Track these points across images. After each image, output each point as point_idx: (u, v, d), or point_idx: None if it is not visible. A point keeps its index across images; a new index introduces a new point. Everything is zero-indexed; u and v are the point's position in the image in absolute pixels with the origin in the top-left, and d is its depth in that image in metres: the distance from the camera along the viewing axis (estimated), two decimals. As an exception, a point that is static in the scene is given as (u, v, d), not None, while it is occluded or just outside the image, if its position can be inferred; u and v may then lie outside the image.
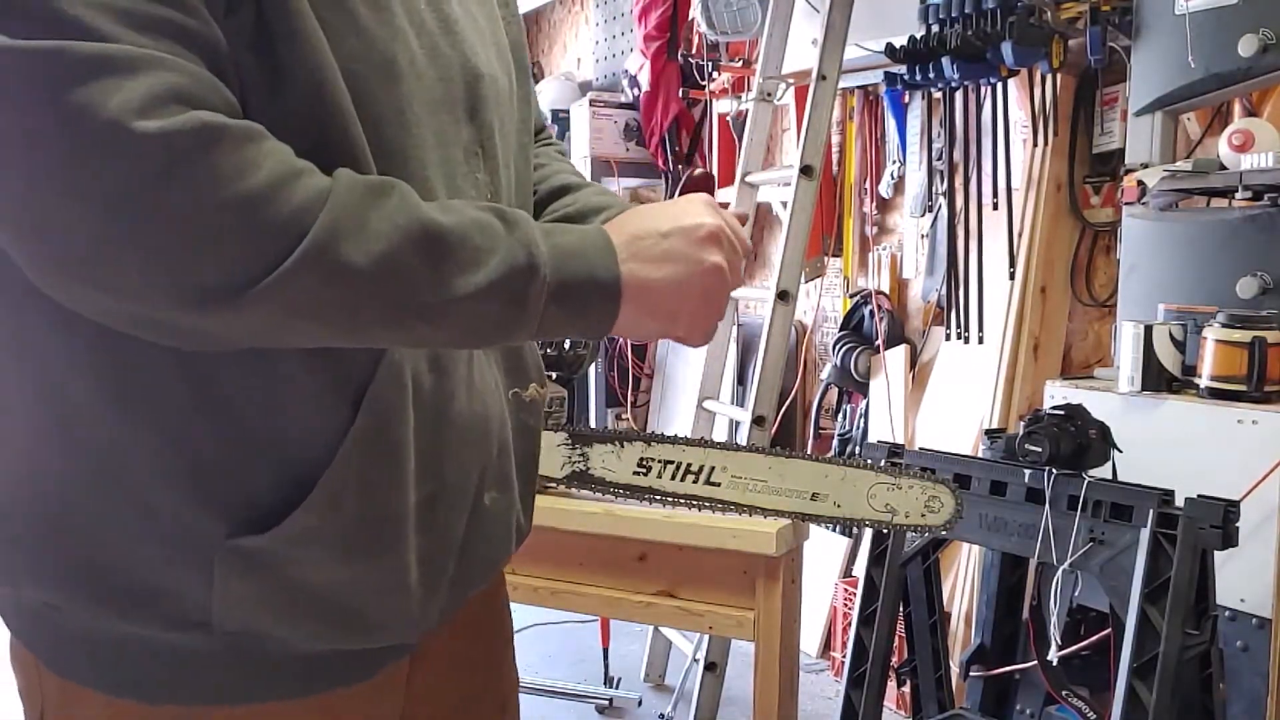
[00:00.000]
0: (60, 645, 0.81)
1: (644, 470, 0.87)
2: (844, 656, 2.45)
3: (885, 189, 3.47)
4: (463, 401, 0.87)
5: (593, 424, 4.32)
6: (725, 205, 0.92)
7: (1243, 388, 1.91)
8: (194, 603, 0.76)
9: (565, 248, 0.78)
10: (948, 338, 2.93)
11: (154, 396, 0.75)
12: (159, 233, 0.64)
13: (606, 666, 3.16)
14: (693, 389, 3.20)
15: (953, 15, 2.45)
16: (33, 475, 0.77)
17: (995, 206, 2.77)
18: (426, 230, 0.72)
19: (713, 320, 0.86)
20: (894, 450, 2.11)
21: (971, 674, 2.21)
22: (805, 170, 2.74)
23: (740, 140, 3.27)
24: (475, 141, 0.90)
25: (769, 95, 3.12)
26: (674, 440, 1.01)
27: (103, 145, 0.62)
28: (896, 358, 3.32)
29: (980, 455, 2.22)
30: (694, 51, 3.97)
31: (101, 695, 0.80)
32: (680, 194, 0.94)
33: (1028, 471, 1.88)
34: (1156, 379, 2.07)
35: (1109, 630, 1.91)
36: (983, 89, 2.67)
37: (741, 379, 3.77)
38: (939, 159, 2.93)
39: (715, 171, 4.03)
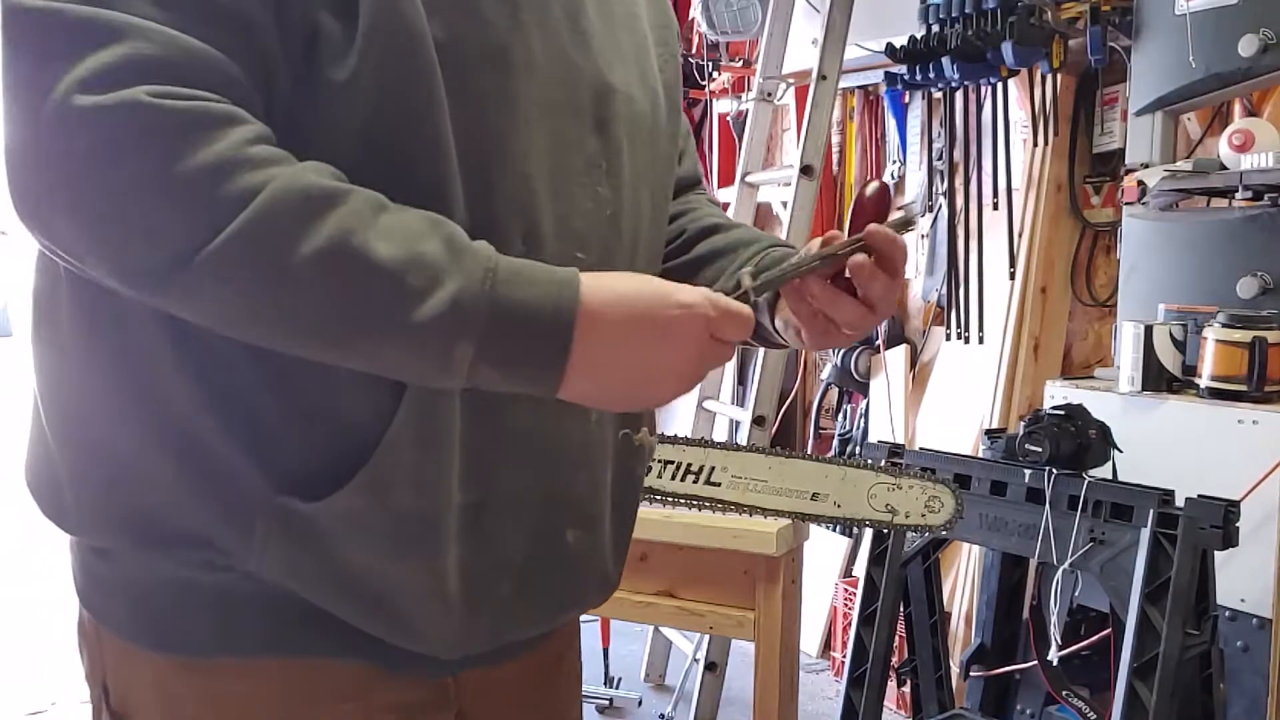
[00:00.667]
0: (113, 597, 0.82)
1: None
2: (844, 656, 2.45)
3: (885, 189, 3.47)
4: (527, 415, 0.84)
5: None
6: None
7: (1243, 388, 1.91)
8: (239, 550, 0.77)
9: (509, 306, 0.72)
10: (948, 338, 2.93)
11: (217, 360, 0.76)
12: (87, 210, 0.67)
13: (606, 666, 3.16)
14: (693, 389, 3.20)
15: (953, 15, 2.45)
16: (96, 432, 0.79)
17: (995, 206, 2.77)
18: (352, 253, 0.68)
19: (676, 394, 0.79)
20: (894, 450, 2.11)
21: (971, 674, 2.21)
22: (805, 170, 2.74)
23: (740, 140, 3.28)
24: (600, 154, 0.87)
25: (769, 95, 3.12)
26: (674, 440, 1.01)
27: (48, 119, 0.66)
28: (896, 358, 3.32)
29: (980, 455, 2.22)
30: (694, 51, 3.97)
31: (158, 656, 0.81)
32: (854, 215, 0.89)
33: (1028, 471, 1.88)
34: (1157, 379, 2.07)
35: (1109, 630, 1.91)
36: (983, 89, 2.67)
37: (741, 379, 3.77)
38: (939, 159, 2.93)
39: (715, 171, 4.03)
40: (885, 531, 2.09)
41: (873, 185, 0.86)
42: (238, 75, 0.70)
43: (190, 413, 0.77)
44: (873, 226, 0.83)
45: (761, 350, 2.76)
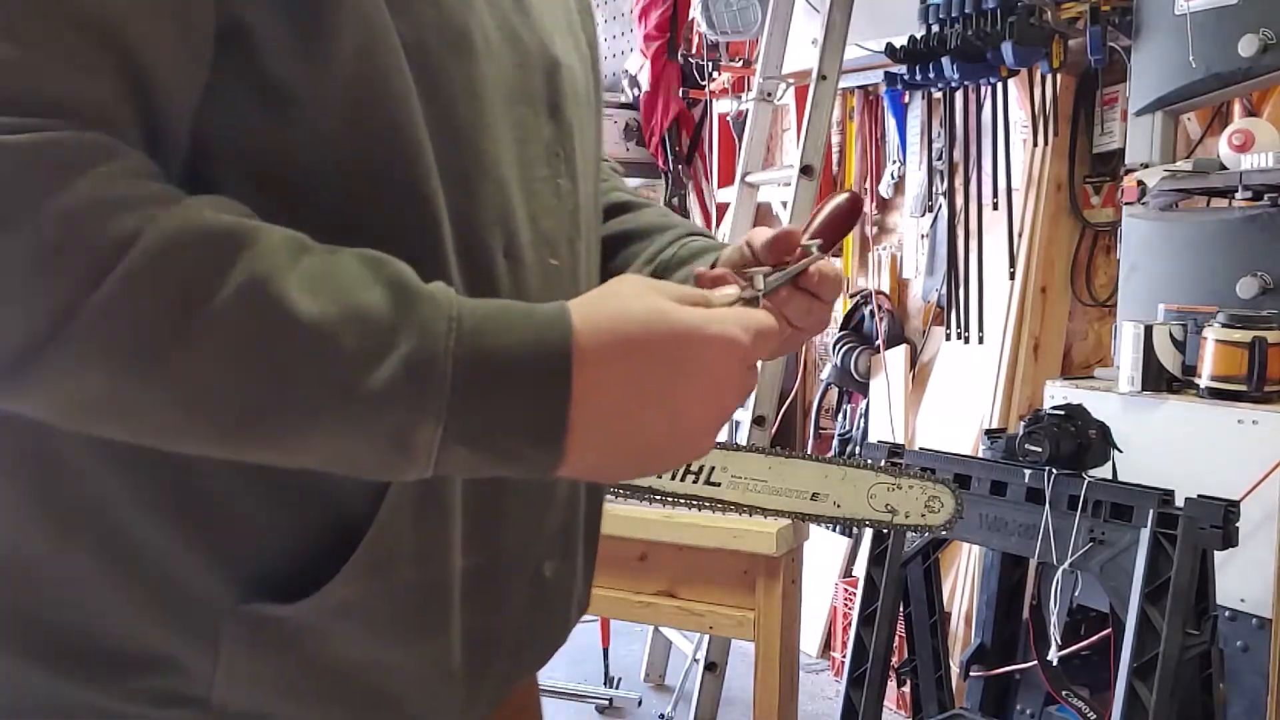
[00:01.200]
0: None
1: (644, 470, 0.86)
2: (844, 656, 2.45)
3: (885, 189, 3.47)
4: None
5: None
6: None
7: (1243, 388, 1.91)
8: (192, 675, 0.63)
9: (483, 371, 0.57)
10: (948, 338, 2.93)
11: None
12: None
13: (606, 666, 3.16)
14: (693, 389, 3.19)
15: (953, 15, 2.45)
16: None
17: (995, 206, 2.77)
18: (272, 316, 0.53)
19: (700, 451, 0.65)
20: (894, 450, 2.10)
21: (971, 674, 2.21)
22: (805, 170, 2.74)
23: (740, 140, 3.28)
24: (557, 141, 0.77)
25: (769, 95, 3.12)
26: (674, 440, 1.01)
27: None
28: (896, 358, 3.32)
29: (980, 455, 2.22)
30: (694, 51, 3.97)
31: None
32: (826, 219, 0.80)
33: (1028, 471, 1.88)
34: (1156, 379, 2.07)
35: (1109, 630, 1.91)
36: (983, 89, 2.67)
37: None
38: (939, 159, 2.93)
39: (715, 171, 4.03)
40: (885, 531, 2.09)
41: (844, 195, 0.82)
42: (103, 96, 0.54)
43: (121, 513, 0.62)
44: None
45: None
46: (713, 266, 0.82)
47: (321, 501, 0.64)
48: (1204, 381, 1.97)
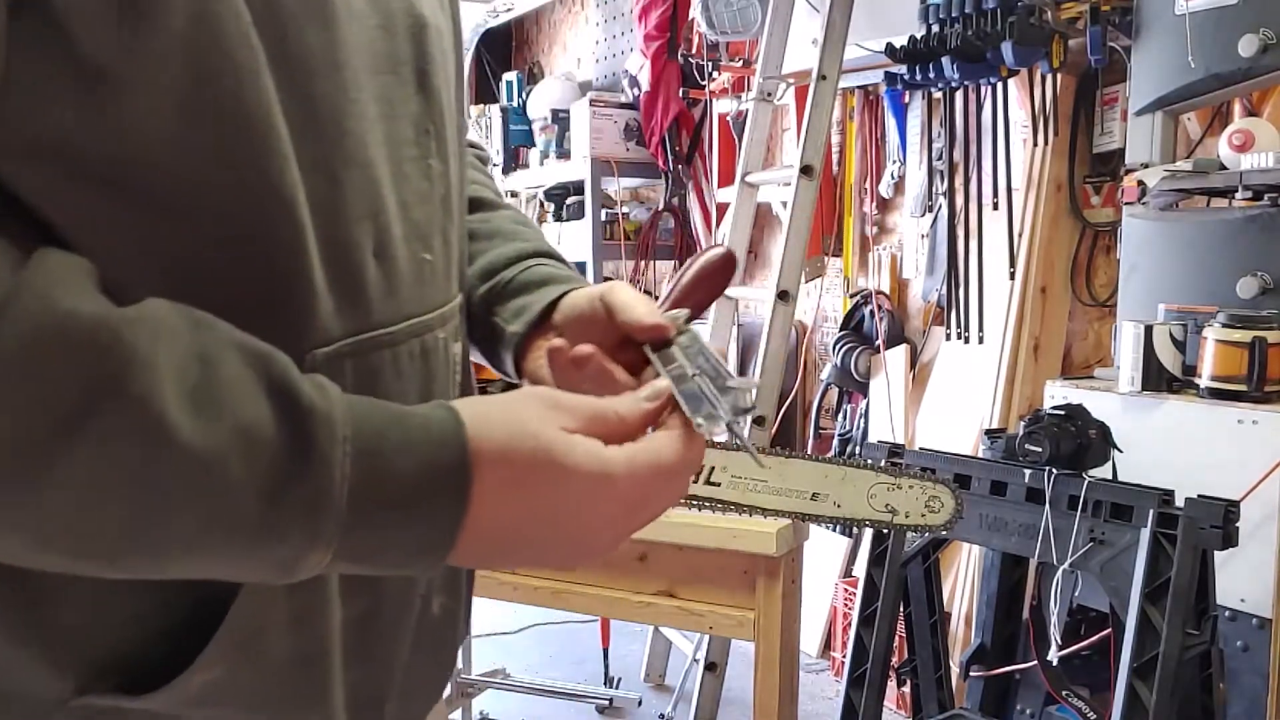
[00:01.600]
0: None
1: (643, 470, 0.86)
2: (844, 656, 2.45)
3: (885, 189, 3.48)
4: None
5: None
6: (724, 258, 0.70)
7: (1243, 388, 1.91)
8: None
9: (377, 496, 0.51)
10: (948, 338, 2.93)
11: None
12: None
13: (606, 666, 3.16)
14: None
15: (953, 15, 2.45)
16: None
17: (995, 206, 2.77)
18: (149, 440, 0.46)
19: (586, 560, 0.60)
20: (894, 450, 2.11)
21: (971, 674, 2.21)
22: (805, 170, 2.74)
23: (740, 140, 3.28)
24: (426, 115, 0.67)
25: (769, 95, 3.12)
26: (674, 440, 1.01)
27: None
28: (896, 358, 3.32)
29: (980, 455, 2.22)
30: (694, 51, 3.97)
31: None
32: (693, 269, 0.75)
33: (1028, 471, 1.88)
34: (1156, 379, 2.07)
35: (1109, 630, 1.91)
36: (983, 89, 2.67)
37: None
38: (939, 159, 2.93)
39: (715, 171, 4.03)
40: (885, 531, 2.10)
41: (718, 250, 0.76)
42: None
43: None
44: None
45: (761, 351, 2.76)
46: (553, 304, 0.75)
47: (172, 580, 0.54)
48: (1204, 381, 1.97)
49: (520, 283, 0.79)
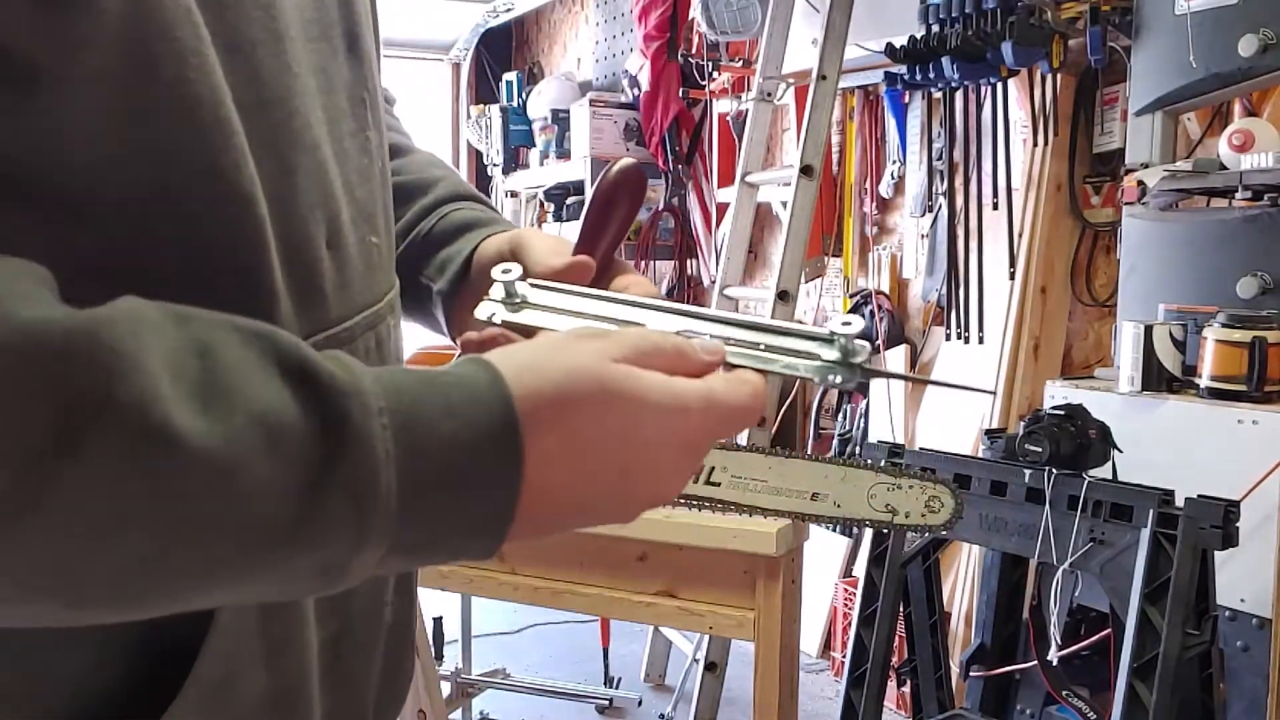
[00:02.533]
0: None
1: (644, 470, 0.86)
2: (844, 656, 2.45)
3: (885, 189, 3.48)
4: None
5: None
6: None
7: (1243, 388, 1.91)
8: None
9: (427, 472, 0.44)
10: (948, 338, 2.93)
11: None
12: None
13: (606, 666, 3.16)
14: (693, 389, 3.20)
15: (953, 15, 2.45)
16: None
17: (995, 206, 2.77)
18: (154, 448, 0.38)
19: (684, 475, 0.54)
20: (894, 450, 2.11)
21: (971, 674, 2.21)
22: (805, 170, 2.74)
23: (740, 140, 3.28)
24: (359, 83, 0.61)
25: (769, 95, 3.12)
26: (674, 440, 1.01)
27: None
28: (896, 358, 3.33)
29: (980, 455, 2.22)
30: (694, 51, 3.97)
31: None
32: (596, 195, 0.68)
33: (1028, 471, 1.88)
34: (1156, 379, 2.07)
35: (1109, 630, 1.91)
36: (983, 89, 2.67)
37: (741, 379, 3.76)
38: (939, 159, 2.93)
39: (715, 171, 4.03)
40: (885, 531, 2.09)
41: (618, 164, 0.68)
42: None
43: None
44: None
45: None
46: (473, 254, 0.69)
47: (137, 622, 0.45)
48: (1204, 381, 1.97)
49: (440, 232, 0.73)
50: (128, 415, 0.37)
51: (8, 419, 0.36)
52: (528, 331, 0.58)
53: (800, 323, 0.59)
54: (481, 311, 0.60)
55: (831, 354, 0.57)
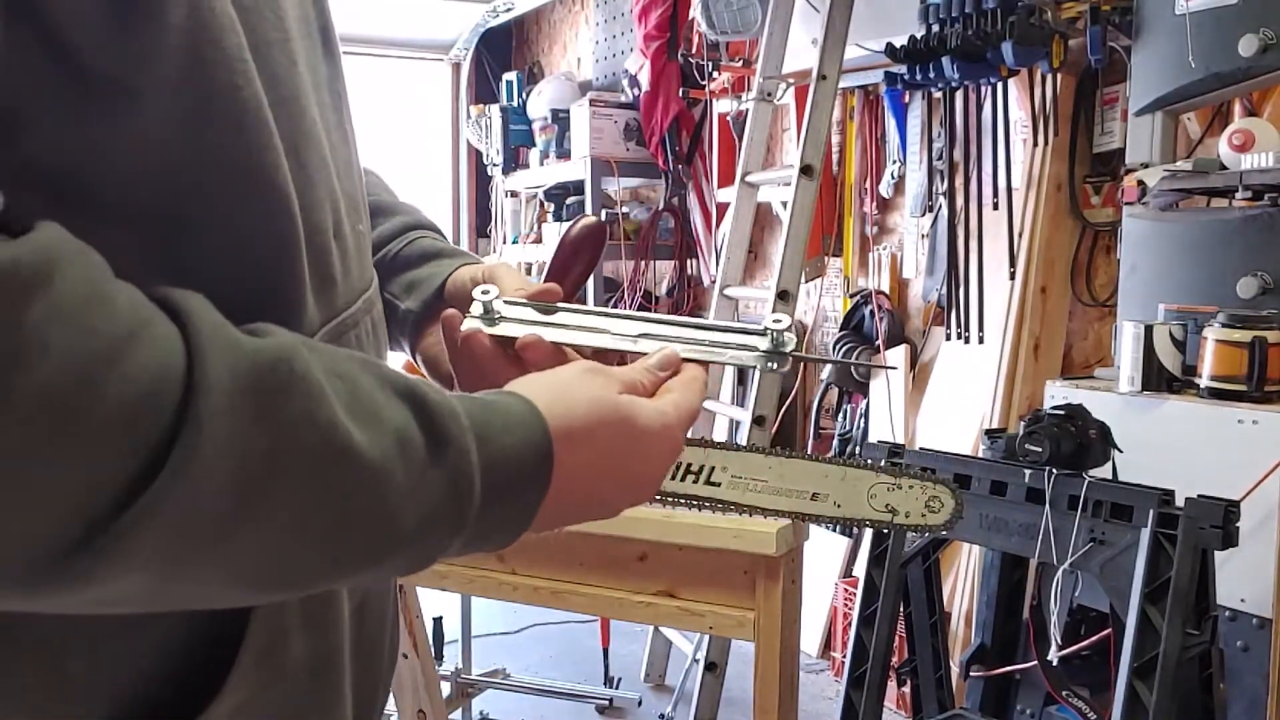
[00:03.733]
0: None
1: (644, 470, 0.87)
2: (844, 656, 2.45)
3: (885, 189, 3.48)
4: None
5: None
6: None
7: (1243, 388, 1.91)
8: None
9: (500, 476, 0.52)
10: (948, 338, 2.93)
11: None
12: None
13: (606, 666, 3.16)
14: (693, 389, 3.20)
15: (953, 15, 2.45)
16: None
17: (995, 206, 2.77)
18: (340, 463, 0.45)
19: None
20: (894, 450, 2.10)
21: (971, 674, 2.21)
22: (805, 170, 2.74)
23: (740, 140, 3.28)
24: (335, 76, 0.64)
25: (769, 95, 3.12)
26: (674, 440, 1.01)
27: None
28: (897, 358, 3.32)
29: (980, 455, 2.22)
30: (694, 51, 3.97)
31: None
32: (561, 245, 0.77)
33: (1028, 471, 1.88)
34: (1156, 379, 2.07)
35: (1109, 630, 1.91)
36: (983, 89, 2.67)
37: (742, 379, 3.77)
38: (939, 159, 2.93)
39: (715, 171, 4.03)
40: (885, 531, 2.09)
41: (585, 221, 0.77)
42: None
43: None
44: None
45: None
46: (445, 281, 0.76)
47: (185, 614, 0.51)
48: (1204, 381, 1.97)
49: (405, 257, 0.79)
50: (318, 428, 0.44)
51: (252, 439, 0.42)
52: (505, 341, 0.69)
53: (740, 321, 0.74)
54: (466, 325, 0.69)
55: (765, 345, 0.70)
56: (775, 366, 0.70)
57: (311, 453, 0.44)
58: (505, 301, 0.70)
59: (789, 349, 0.70)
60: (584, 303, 0.74)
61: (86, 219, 0.44)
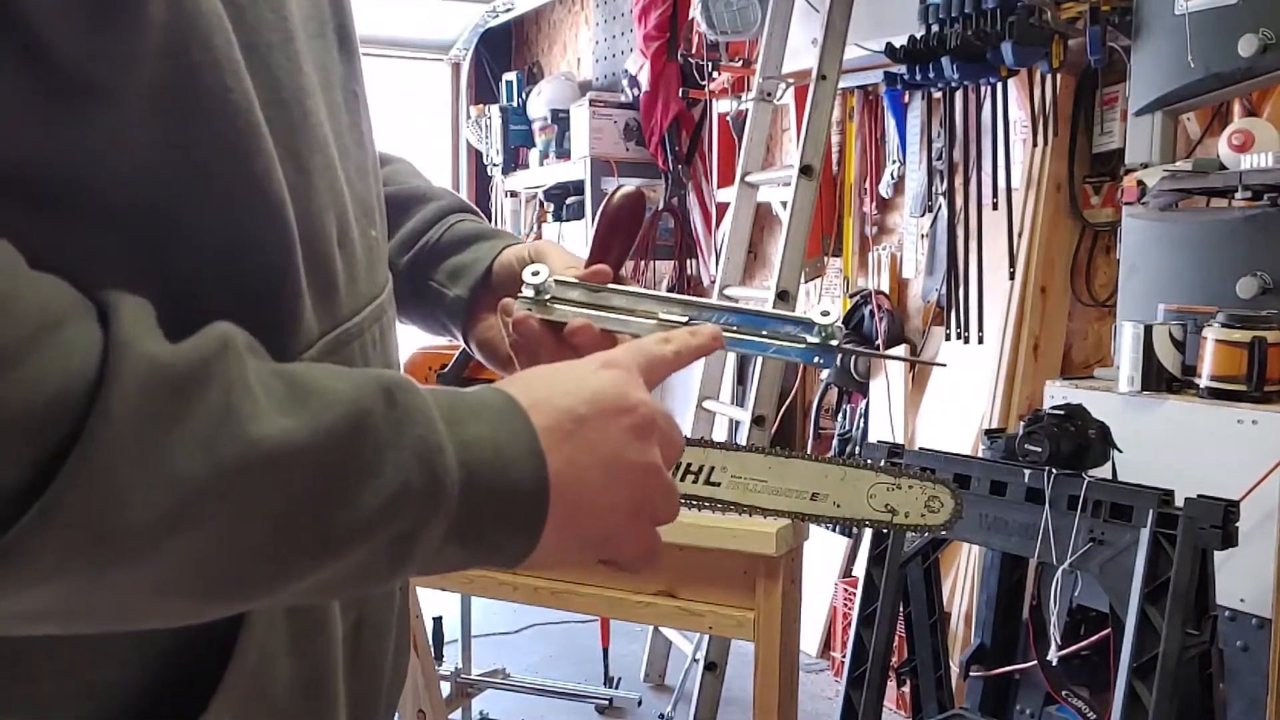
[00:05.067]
0: None
1: (644, 470, 0.87)
2: (844, 656, 2.45)
3: (885, 189, 3.48)
4: None
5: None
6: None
7: (1243, 388, 1.91)
8: None
9: (478, 455, 0.49)
10: (948, 338, 2.93)
11: None
12: None
13: (606, 666, 3.16)
14: (692, 389, 3.21)
15: (953, 15, 2.45)
16: None
17: (995, 206, 2.77)
18: (265, 461, 0.43)
19: (654, 536, 0.59)
20: (894, 450, 2.11)
21: (971, 674, 2.21)
22: (805, 170, 2.74)
23: (740, 140, 3.28)
24: (352, 77, 0.62)
25: (769, 95, 3.12)
26: (674, 440, 1.01)
27: None
28: (896, 358, 3.33)
29: (980, 455, 2.22)
30: (694, 51, 3.97)
31: None
32: (602, 218, 0.74)
33: (1028, 471, 1.88)
34: (1156, 379, 2.07)
35: (1109, 630, 1.91)
36: (983, 89, 2.67)
37: (741, 379, 3.77)
38: (939, 159, 2.93)
39: (715, 171, 4.03)
40: (885, 531, 2.09)
41: (621, 192, 0.75)
42: None
43: None
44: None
45: (761, 350, 2.76)
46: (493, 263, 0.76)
47: (161, 632, 0.49)
48: (1204, 381, 1.97)
49: (447, 243, 0.78)
50: (247, 432, 0.42)
51: (161, 447, 0.40)
52: (556, 325, 0.68)
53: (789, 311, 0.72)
54: (518, 308, 0.68)
55: (814, 337, 0.69)
56: (819, 360, 0.70)
57: (237, 453, 0.42)
58: (556, 281, 0.70)
59: (836, 342, 0.70)
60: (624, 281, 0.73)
61: (69, 223, 0.44)
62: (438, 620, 2.91)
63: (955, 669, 2.31)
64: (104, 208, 0.45)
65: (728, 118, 3.90)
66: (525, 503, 0.51)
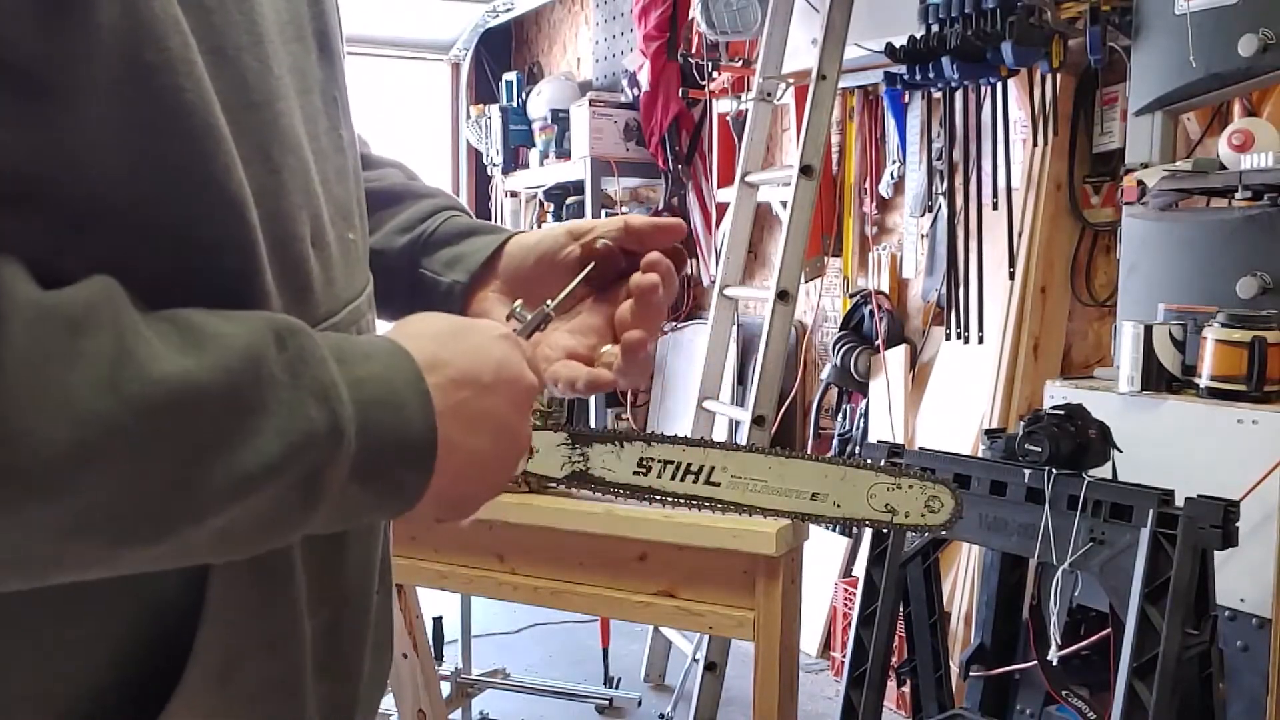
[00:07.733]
0: None
1: (644, 470, 0.87)
2: (844, 656, 2.45)
3: (885, 189, 3.48)
4: None
5: (592, 424, 4.32)
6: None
7: (1243, 388, 1.91)
8: None
9: (371, 392, 0.51)
10: (948, 338, 2.93)
11: None
12: None
13: (606, 666, 3.16)
14: (693, 389, 3.21)
15: (953, 15, 2.45)
16: None
17: (995, 206, 2.77)
18: (169, 399, 0.44)
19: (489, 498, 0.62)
20: (894, 450, 2.10)
21: (971, 674, 2.21)
22: (805, 170, 2.74)
23: (740, 140, 3.28)
24: (331, 81, 0.63)
25: (769, 95, 3.12)
26: (674, 440, 1.01)
27: None
28: (896, 358, 3.32)
29: (980, 455, 2.22)
30: (694, 51, 3.97)
31: None
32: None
33: (1028, 471, 1.88)
34: (1156, 379, 2.07)
35: (1109, 630, 1.91)
36: (983, 89, 2.67)
37: (741, 379, 3.77)
38: (939, 159, 2.93)
39: (715, 171, 4.03)
40: (885, 531, 2.09)
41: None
42: None
43: None
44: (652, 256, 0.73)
45: (761, 351, 2.76)
46: (494, 252, 0.78)
47: (121, 617, 0.51)
48: (1204, 381, 1.97)
49: (442, 235, 0.80)
50: (137, 371, 0.43)
51: (38, 381, 0.41)
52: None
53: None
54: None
55: None
56: None
57: (140, 390, 0.43)
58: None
59: None
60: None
61: (39, 220, 0.45)
62: (438, 620, 2.91)
63: (955, 669, 2.31)
64: (65, 207, 0.46)
65: (728, 118, 3.90)
66: (418, 440, 0.53)
